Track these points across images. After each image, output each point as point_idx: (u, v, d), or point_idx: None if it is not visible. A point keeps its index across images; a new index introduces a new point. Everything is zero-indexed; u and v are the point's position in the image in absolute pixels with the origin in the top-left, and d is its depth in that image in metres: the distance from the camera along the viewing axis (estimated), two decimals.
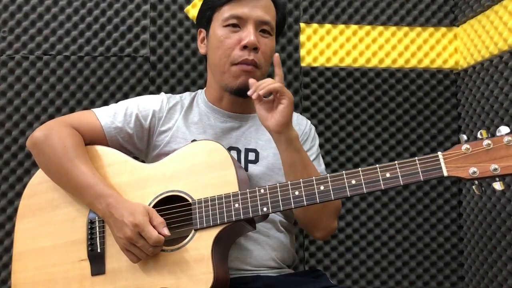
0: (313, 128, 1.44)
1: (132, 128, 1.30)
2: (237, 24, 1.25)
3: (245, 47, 1.23)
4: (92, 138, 1.27)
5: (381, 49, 1.91)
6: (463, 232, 1.86)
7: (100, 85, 1.82)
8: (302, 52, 1.88)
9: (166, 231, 1.08)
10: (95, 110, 1.31)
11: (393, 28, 1.92)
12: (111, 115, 1.29)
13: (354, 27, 1.91)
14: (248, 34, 1.23)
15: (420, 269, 1.85)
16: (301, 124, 1.41)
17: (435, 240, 1.87)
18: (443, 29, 1.93)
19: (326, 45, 1.89)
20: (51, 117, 1.76)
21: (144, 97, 1.38)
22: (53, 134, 1.22)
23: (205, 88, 1.41)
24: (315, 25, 1.90)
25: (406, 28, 1.92)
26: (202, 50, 1.36)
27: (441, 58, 1.92)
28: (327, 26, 1.90)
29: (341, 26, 1.90)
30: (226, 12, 1.26)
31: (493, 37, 1.70)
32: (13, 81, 1.80)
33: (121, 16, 1.84)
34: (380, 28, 1.91)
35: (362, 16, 1.91)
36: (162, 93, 1.40)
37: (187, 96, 1.40)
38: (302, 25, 1.89)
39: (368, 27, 1.91)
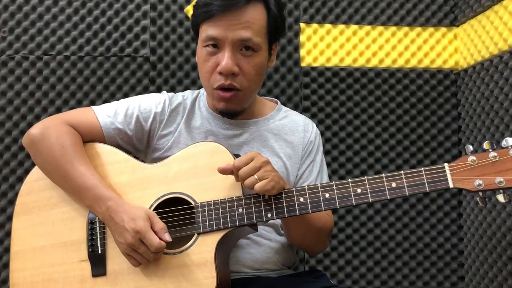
0: (319, 134, 1.38)
1: (132, 130, 1.27)
2: (216, 44, 1.16)
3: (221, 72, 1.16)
4: (90, 137, 1.24)
5: (381, 49, 1.90)
6: (463, 232, 1.86)
7: (100, 85, 1.81)
8: (302, 52, 1.88)
9: (167, 237, 1.06)
10: (95, 108, 1.27)
11: (393, 28, 1.92)
12: (111, 115, 1.26)
13: (354, 27, 1.91)
14: (223, 59, 1.14)
15: (420, 269, 1.86)
16: (307, 130, 1.35)
17: (435, 240, 1.87)
18: (443, 29, 1.93)
19: (326, 45, 1.89)
20: None
21: (146, 96, 1.33)
22: (49, 133, 1.18)
23: None
24: (315, 25, 1.89)
25: (406, 28, 1.92)
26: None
27: (441, 58, 1.92)
28: (327, 26, 1.90)
29: (341, 26, 1.90)
30: (204, 31, 1.17)
31: (493, 37, 1.70)
32: (13, 81, 1.79)
33: (121, 16, 1.83)
34: (380, 28, 1.91)
35: (362, 16, 1.91)
36: (164, 92, 1.36)
37: (189, 95, 1.36)
38: (302, 25, 1.89)
39: (368, 27, 1.91)
